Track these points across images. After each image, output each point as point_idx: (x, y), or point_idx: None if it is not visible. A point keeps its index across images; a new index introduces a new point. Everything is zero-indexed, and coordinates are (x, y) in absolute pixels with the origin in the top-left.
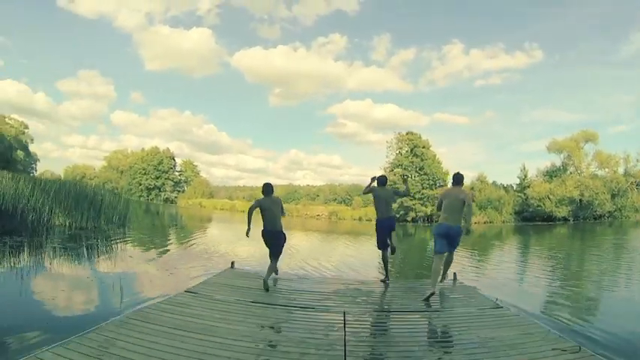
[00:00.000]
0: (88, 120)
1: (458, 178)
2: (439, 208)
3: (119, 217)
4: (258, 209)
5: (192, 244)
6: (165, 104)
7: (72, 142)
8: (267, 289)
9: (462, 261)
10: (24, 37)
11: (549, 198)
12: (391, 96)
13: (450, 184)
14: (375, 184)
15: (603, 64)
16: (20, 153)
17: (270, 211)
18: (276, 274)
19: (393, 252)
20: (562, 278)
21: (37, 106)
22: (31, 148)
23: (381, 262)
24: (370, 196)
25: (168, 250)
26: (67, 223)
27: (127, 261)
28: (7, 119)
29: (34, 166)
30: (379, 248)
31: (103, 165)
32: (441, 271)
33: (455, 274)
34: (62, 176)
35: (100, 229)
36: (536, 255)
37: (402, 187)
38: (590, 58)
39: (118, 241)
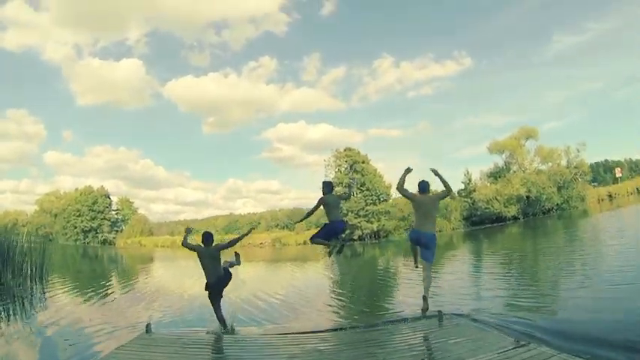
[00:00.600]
0: (18, 162)
1: (424, 186)
2: (407, 195)
3: (33, 269)
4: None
5: (109, 296)
6: (98, 141)
7: (3, 187)
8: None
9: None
10: None
11: (497, 199)
12: (324, 115)
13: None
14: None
15: (530, 66)
16: None
17: (210, 261)
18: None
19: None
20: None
21: None
22: None
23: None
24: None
25: (78, 307)
26: None
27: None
28: None
29: None
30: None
31: (35, 209)
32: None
33: (440, 312)
34: None
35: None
36: (491, 259)
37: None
38: (516, 62)
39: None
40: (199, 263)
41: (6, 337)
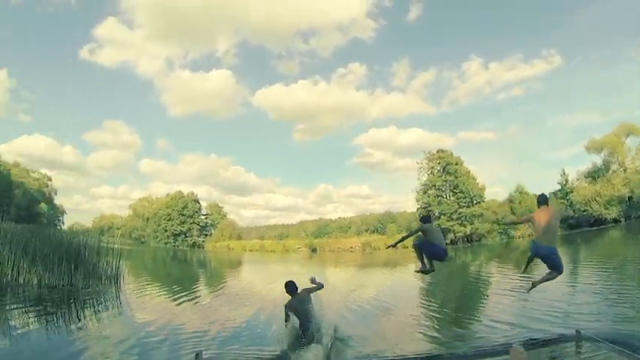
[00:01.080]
0: (115, 170)
1: (544, 199)
2: (523, 222)
3: (108, 271)
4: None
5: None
6: (190, 149)
7: (101, 193)
8: None
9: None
10: (49, 91)
11: (596, 200)
12: (415, 120)
13: (538, 207)
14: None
15: (627, 61)
16: (43, 206)
17: (303, 312)
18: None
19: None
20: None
21: (65, 159)
22: (61, 200)
23: None
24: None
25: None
26: (35, 280)
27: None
28: (30, 172)
29: (60, 218)
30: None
31: (129, 214)
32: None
33: (579, 332)
34: (91, 227)
35: (76, 287)
36: (598, 267)
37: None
38: (611, 58)
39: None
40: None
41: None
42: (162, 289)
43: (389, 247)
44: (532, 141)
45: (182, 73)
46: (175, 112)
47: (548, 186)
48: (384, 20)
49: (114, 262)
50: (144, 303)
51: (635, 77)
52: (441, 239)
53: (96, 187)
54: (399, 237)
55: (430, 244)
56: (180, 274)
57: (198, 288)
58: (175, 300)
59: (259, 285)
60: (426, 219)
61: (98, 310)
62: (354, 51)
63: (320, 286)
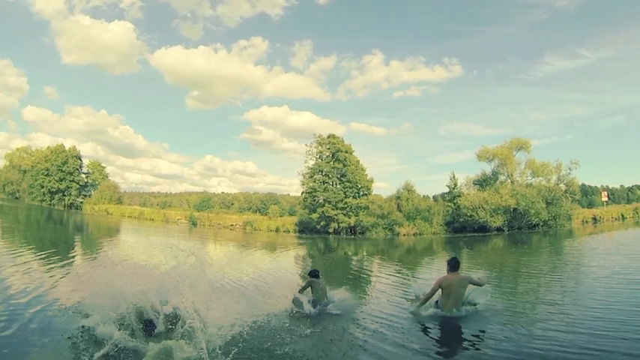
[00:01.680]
0: None
1: (455, 264)
2: (432, 293)
3: None
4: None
5: None
6: (80, 101)
7: None
8: None
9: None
10: None
11: (483, 207)
12: (309, 104)
13: (447, 270)
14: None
15: (519, 82)
16: None
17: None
18: None
19: None
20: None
21: None
22: None
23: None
24: None
25: None
26: None
27: None
28: None
29: None
30: None
31: (5, 164)
32: None
33: None
34: None
35: None
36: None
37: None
38: (506, 76)
39: None
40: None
41: None
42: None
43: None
44: (420, 142)
45: (82, 18)
46: (69, 60)
47: (439, 187)
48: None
49: None
50: None
51: (522, 96)
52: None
53: None
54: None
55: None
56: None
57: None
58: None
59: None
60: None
61: None
62: (260, 25)
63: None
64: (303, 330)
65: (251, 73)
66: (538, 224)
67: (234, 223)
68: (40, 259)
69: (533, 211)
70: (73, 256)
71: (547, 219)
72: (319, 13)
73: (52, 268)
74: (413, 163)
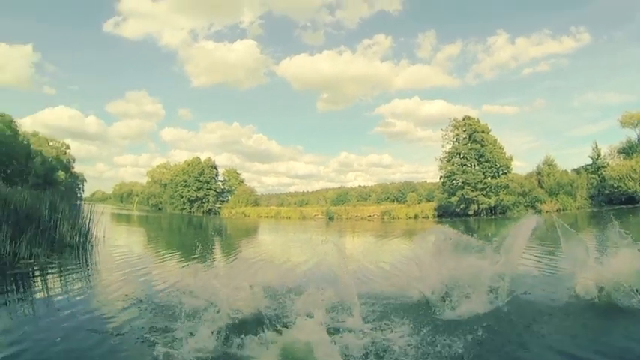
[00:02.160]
0: (138, 139)
1: None
2: None
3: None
4: None
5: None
6: (213, 118)
7: (123, 161)
8: None
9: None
10: (73, 64)
11: (631, 177)
12: (439, 92)
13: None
14: None
15: None
16: (62, 174)
17: None
18: None
19: None
20: None
21: (89, 129)
22: (85, 169)
23: None
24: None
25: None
26: None
27: None
28: (49, 141)
29: (80, 186)
30: None
31: (147, 180)
32: None
33: None
34: (111, 194)
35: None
36: None
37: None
38: (638, 36)
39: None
40: None
41: None
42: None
43: None
44: (556, 117)
45: (206, 43)
46: (198, 83)
47: (577, 160)
48: None
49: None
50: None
51: None
52: None
53: (118, 155)
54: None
55: None
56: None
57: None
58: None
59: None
60: None
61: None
62: (380, 23)
63: None
64: None
65: (378, 70)
66: None
67: (371, 214)
68: (183, 260)
69: None
70: (213, 257)
71: None
72: (438, 2)
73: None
74: (548, 138)
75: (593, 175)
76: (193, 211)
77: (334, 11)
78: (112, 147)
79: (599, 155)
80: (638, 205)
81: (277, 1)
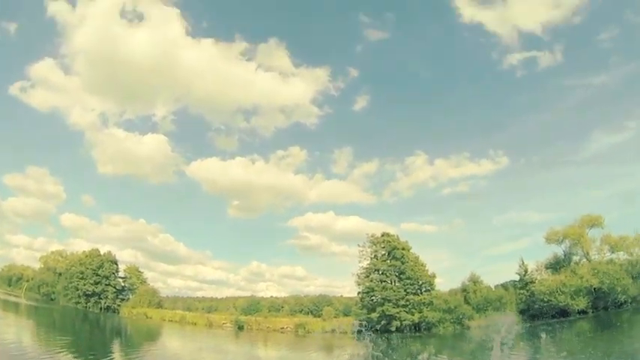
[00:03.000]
0: (34, 219)
1: None
2: None
3: None
4: None
5: None
6: (117, 210)
7: (17, 241)
8: None
9: None
10: None
11: (562, 291)
12: (355, 208)
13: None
14: None
15: (568, 164)
16: None
17: None
18: None
19: None
20: None
21: None
22: None
23: None
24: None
25: None
26: None
27: None
28: None
29: None
30: None
31: (40, 266)
32: None
33: None
34: None
35: None
36: None
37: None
38: (555, 160)
39: None
40: None
41: None
42: None
43: None
44: (474, 236)
45: (116, 131)
46: (105, 170)
47: (499, 277)
48: (330, 108)
49: None
50: None
51: (574, 177)
52: None
53: (11, 233)
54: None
55: None
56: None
57: None
58: None
59: None
60: None
61: None
62: (296, 134)
63: None
64: None
65: (292, 182)
66: (626, 302)
67: (284, 326)
68: None
69: (619, 289)
70: None
71: (636, 295)
72: (356, 119)
73: None
74: (468, 257)
75: (521, 291)
76: (89, 306)
77: (250, 117)
78: (5, 223)
79: (526, 271)
80: (569, 319)
81: (193, 99)
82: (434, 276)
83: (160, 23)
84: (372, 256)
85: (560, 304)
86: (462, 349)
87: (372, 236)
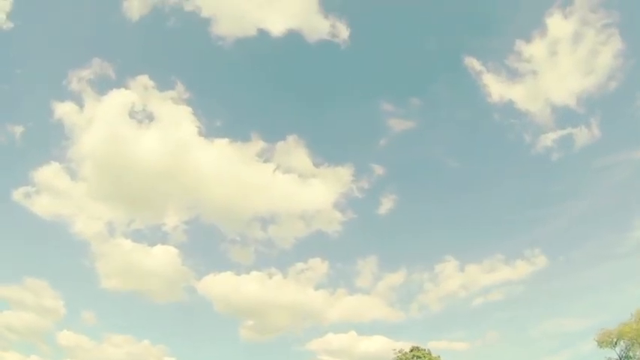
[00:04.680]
0: (29, 336)
1: None
2: None
3: None
4: None
5: None
6: (120, 329)
7: (8, 358)
8: None
9: None
10: None
11: None
12: (379, 326)
13: None
14: None
15: (611, 257)
16: None
17: None
18: None
19: None
20: None
21: None
22: None
23: None
24: None
25: None
26: None
27: None
28: None
29: None
30: None
31: None
32: None
33: None
34: None
35: None
36: None
37: None
38: (597, 254)
39: None
40: None
41: None
42: None
43: None
44: (510, 350)
45: (123, 241)
46: (109, 285)
47: None
48: (353, 213)
49: None
50: None
51: (618, 272)
52: None
53: (3, 349)
54: None
55: None
56: None
57: None
58: None
59: None
60: None
61: None
62: (317, 244)
63: None
64: None
65: (312, 299)
66: None
67: None
68: None
69: None
70: None
71: None
72: (382, 224)
73: None
74: None
75: None
76: None
77: (267, 226)
78: None
79: None
80: None
81: (206, 207)
82: None
83: (171, 123)
84: None
85: None
86: None
87: (399, 351)
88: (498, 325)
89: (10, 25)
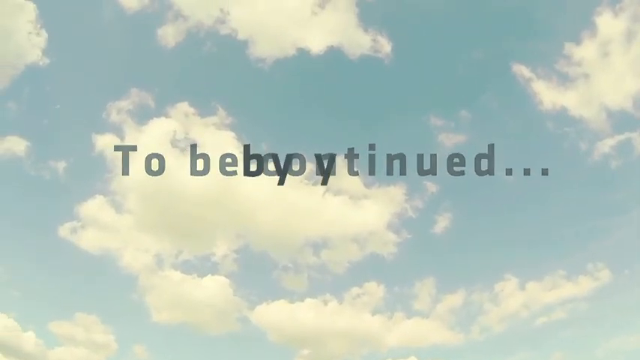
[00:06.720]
0: None
1: None
2: None
3: None
4: None
5: None
6: None
7: None
8: None
9: None
10: (18, 266)
11: None
12: (439, 350)
13: None
14: None
15: None
16: None
17: None
18: None
19: None
20: None
21: (25, 347)
22: None
23: None
24: None
25: None
26: None
27: None
28: None
29: None
30: None
31: None
32: None
33: None
34: None
35: None
36: None
37: None
38: None
39: None
40: None
41: None
42: None
43: None
44: None
45: (173, 273)
46: (159, 318)
47: None
48: (408, 233)
49: None
50: None
51: None
52: None
53: None
54: None
55: None
56: None
57: None
58: None
59: None
60: None
61: None
62: (372, 268)
63: None
64: None
65: (368, 325)
66: None
67: None
68: None
69: None
70: None
71: None
72: (438, 243)
73: None
74: None
75: None
76: None
77: (320, 251)
78: None
79: None
80: None
81: (256, 235)
82: None
83: (215, 149)
84: None
85: None
86: None
87: None
88: (563, 345)
89: (47, 61)
